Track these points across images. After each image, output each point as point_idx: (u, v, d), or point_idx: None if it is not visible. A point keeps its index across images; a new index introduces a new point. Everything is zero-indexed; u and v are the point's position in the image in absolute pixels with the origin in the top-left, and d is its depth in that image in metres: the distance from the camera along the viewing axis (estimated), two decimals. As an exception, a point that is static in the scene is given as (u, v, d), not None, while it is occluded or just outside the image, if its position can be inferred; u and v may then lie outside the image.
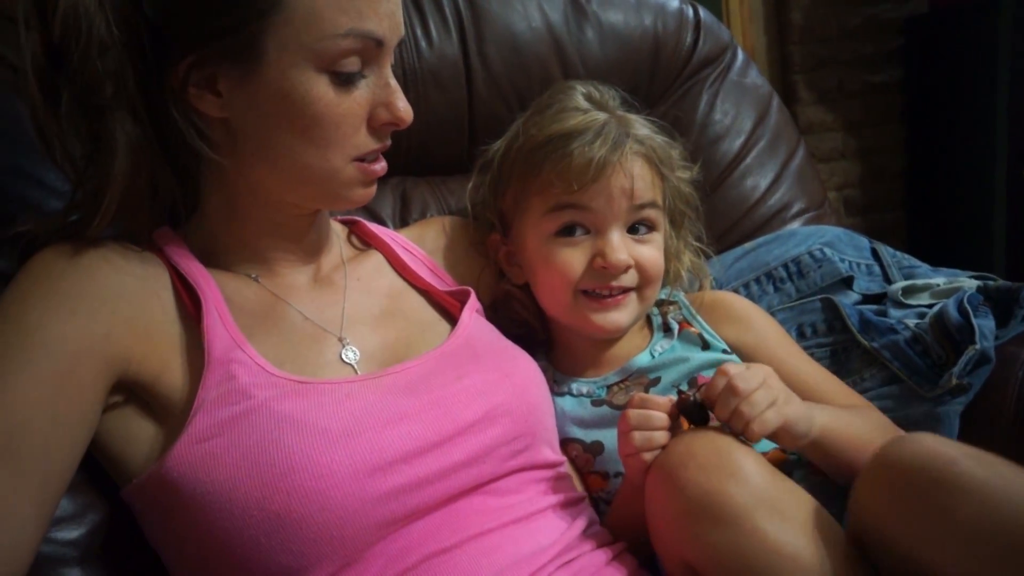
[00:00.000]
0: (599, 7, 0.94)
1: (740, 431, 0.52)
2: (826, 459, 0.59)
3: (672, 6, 0.99)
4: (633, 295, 0.67)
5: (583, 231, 0.65)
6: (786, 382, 0.63)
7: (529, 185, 0.67)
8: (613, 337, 0.69)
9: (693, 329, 0.70)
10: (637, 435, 0.53)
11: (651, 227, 0.67)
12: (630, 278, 0.66)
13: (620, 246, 0.64)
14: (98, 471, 0.54)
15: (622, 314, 0.66)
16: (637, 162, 0.65)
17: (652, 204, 0.66)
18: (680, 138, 0.73)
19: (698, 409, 0.54)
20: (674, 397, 0.55)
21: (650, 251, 0.66)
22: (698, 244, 0.75)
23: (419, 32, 0.86)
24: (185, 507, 0.49)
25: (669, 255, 0.71)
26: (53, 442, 0.47)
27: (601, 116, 0.66)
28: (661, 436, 0.53)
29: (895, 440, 0.48)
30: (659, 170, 0.67)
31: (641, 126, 0.68)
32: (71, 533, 0.54)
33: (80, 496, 0.55)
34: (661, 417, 0.54)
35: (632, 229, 0.66)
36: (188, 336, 0.54)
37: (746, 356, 0.68)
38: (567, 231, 0.65)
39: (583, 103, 0.68)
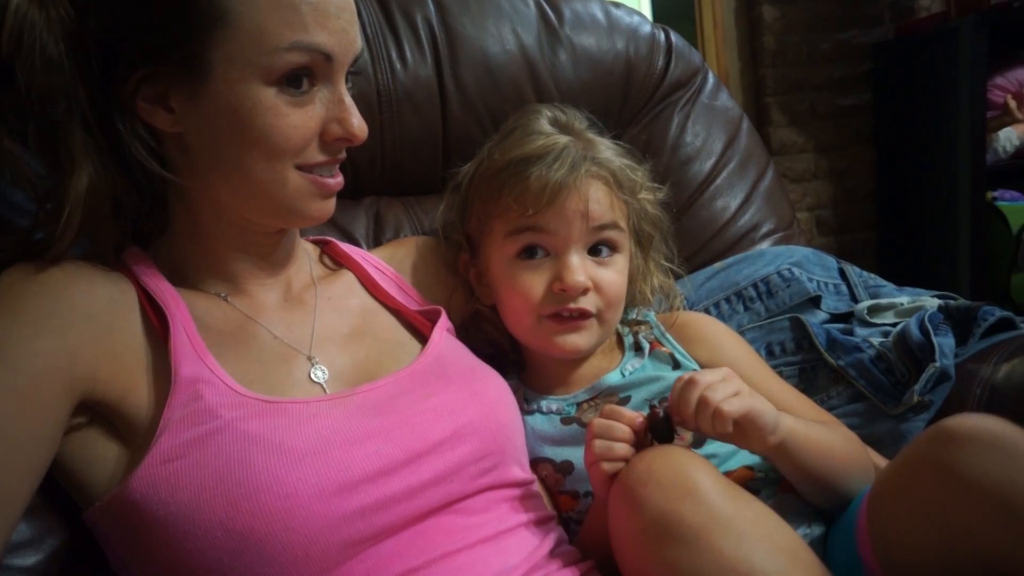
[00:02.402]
0: (572, 31, 0.95)
1: (708, 425, 0.53)
2: (793, 465, 0.59)
3: (644, 30, 1.01)
4: (593, 320, 0.67)
5: (544, 253, 0.66)
6: None
7: (491, 208, 0.68)
8: (576, 358, 0.70)
9: (664, 349, 0.71)
10: (598, 443, 0.54)
11: (613, 248, 0.68)
12: (590, 301, 0.66)
13: (578, 268, 0.65)
14: (58, 494, 0.53)
15: (582, 337, 0.67)
16: (594, 184, 0.66)
17: (612, 226, 0.67)
18: (648, 160, 0.74)
19: (665, 425, 0.55)
20: (645, 412, 0.56)
21: (611, 274, 0.67)
22: (668, 264, 0.76)
23: (394, 54, 0.87)
24: (149, 529, 0.49)
25: (635, 276, 0.72)
26: (12, 464, 0.46)
27: (562, 140, 0.67)
28: (622, 448, 0.53)
29: (955, 418, 0.49)
30: (619, 192, 0.68)
31: (604, 149, 0.69)
32: (29, 559, 0.53)
33: (39, 520, 0.54)
34: (623, 429, 0.54)
35: (594, 251, 0.67)
36: (155, 356, 0.53)
37: None
38: (528, 253, 0.66)
39: (547, 127, 0.69)
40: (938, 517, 0.48)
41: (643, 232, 0.72)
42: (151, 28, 0.50)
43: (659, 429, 0.54)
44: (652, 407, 0.56)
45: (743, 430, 0.54)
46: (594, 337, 0.68)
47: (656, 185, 0.74)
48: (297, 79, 0.52)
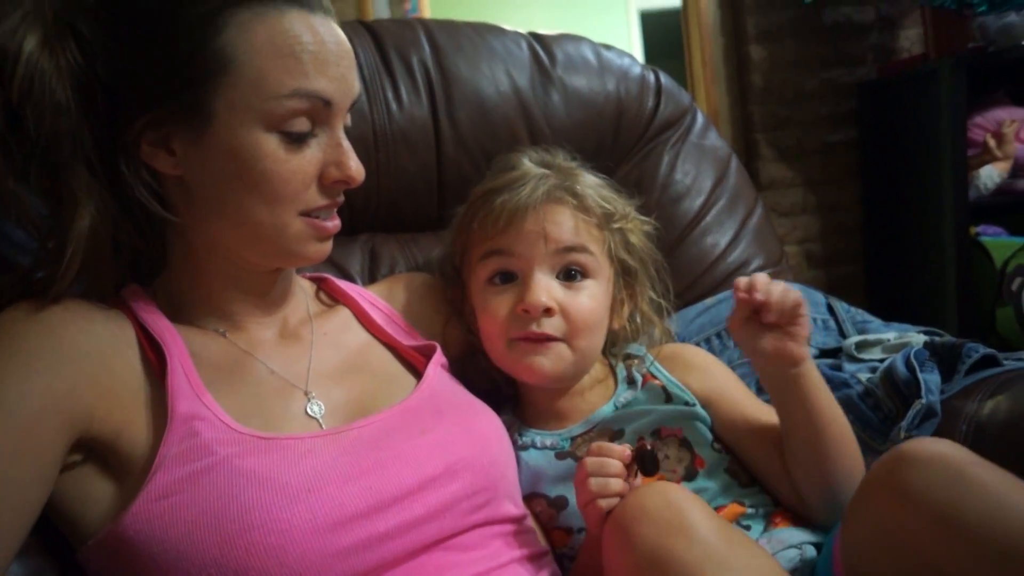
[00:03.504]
0: (564, 72, 0.98)
1: (780, 301, 0.59)
2: (803, 405, 0.61)
3: (634, 72, 1.03)
4: (562, 345, 0.67)
5: (515, 278, 0.68)
6: (748, 426, 0.66)
7: (466, 239, 0.71)
8: (555, 386, 0.70)
9: (657, 381, 0.71)
10: (593, 481, 0.54)
11: (584, 274, 0.68)
12: (554, 325, 0.66)
13: (540, 288, 0.66)
14: (51, 532, 0.53)
15: (548, 360, 0.66)
16: (557, 208, 0.67)
17: (579, 249, 0.68)
18: (638, 197, 0.76)
19: (651, 460, 0.56)
20: (632, 445, 0.57)
21: (581, 298, 0.67)
22: (658, 300, 0.76)
23: (390, 94, 0.89)
24: (142, 566, 0.49)
25: (616, 306, 0.72)
26: (7, 505, 0.46)
27: (535, 171, 0.70)
28: (616, 483, 0.54)
29: (910, 441, 0.52)
30: (586, 217, 0.68)
31: (579, 179, 0.70)
32: (21, 598, 0.52)
33: (31, 559, 0.53)
34: (616, 464, 0.55)
35: (568, 276, 0.68)
36: (152, 393, 0.54)
37: (709, 403, 0.70)
38: (501, 279, 0.68)
39: (526, 163, 0.72)
40: (893, 537, 0.49)
41: (626, 264, 0.73)
42: (157, 75, 0.52)
43: (646, 462, 0.55)
44: (640, 439, 0.56)
45: (783, 339, 0.59)
46: (563, 363, 0.67)
47: (644, 218, 0.75)
48: (297, 124, 0.54)
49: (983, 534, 0.45)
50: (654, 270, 0.75)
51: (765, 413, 0.67)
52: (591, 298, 0.68)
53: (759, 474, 0.67)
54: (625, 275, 0.73)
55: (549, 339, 0.66)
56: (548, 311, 0.66)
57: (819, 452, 0.61)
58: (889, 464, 0.51)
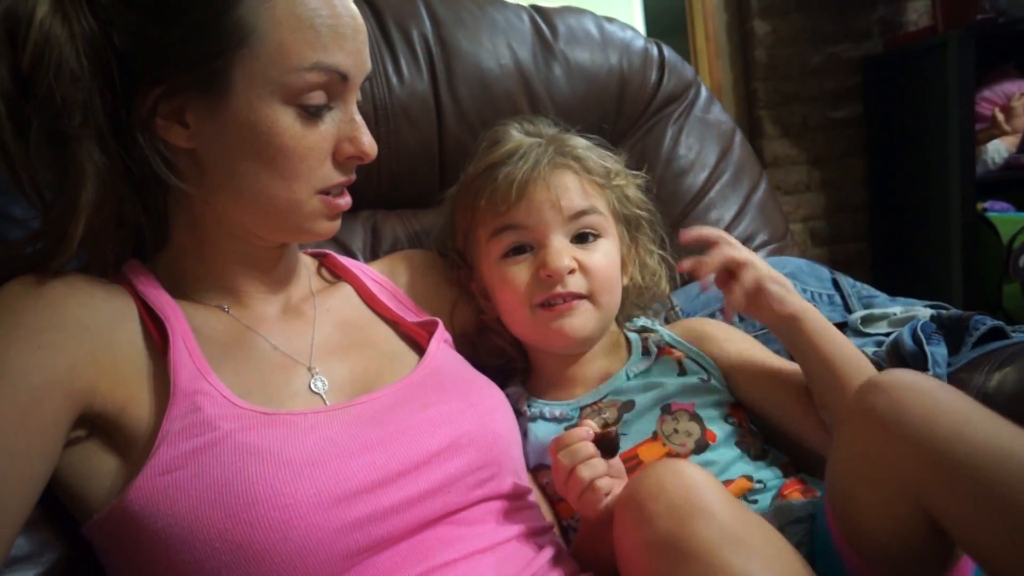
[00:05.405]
0: (566, 45, 0.97)
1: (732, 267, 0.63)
2: (808, 343, 0.63)
3: (637, 45, 1.02)
4: (587, 303, 0.68)
5: (529, 249, 0.68)
6: (776, 378, 0.68)
7: (470, 218, 0.70)
8: (580, 350, 0.70)
9: (673, 354, 0.71)
10: (583, 468, 0.55)
11: (597, 234, 0.69)
12: (578, 283, 0.67)
13: (560, 252, 0.66)
14: (57, 508, 0.53)
15: (577, 319, 0.67)
16: (561, 173, 0.68)
17: (591, 211, 0.68)
18: (623, 153, 0.76)
19: (610, 444, 0.57)
20: (592, 425, 0.57)
21: (597, 256, 0.68)
22: (660, 252, 0.77)
23: (390, 68, 0.88)
24: (147, 541, 0.49)
25: (626, 262, 0.73)
26: (11, 479, 0.46)
27: (528, 141, 0.70)
28: (599, 463, 0.55)
29: (881, 372, 0.53)
30: (589, 177, 0.69)
31: (571, 141, 0.71)
32: (28, 573, 0.53)
33: (38, 534, 0.54)
34: (586, 446, 0.56)
35: (581, 239, 0.68)
36: (154, 368, 0.54)
37: (732, 367, 0.71)
38: (515, 252, 0.68)
39: (515, 134, 0.72)
40: (869, 462, 0.50)
41: (631, 216, 0.74)
42: (175, 45, 0.51)
43: (610, 445, 0.57)
44: (606, 424, 0.57)
45: (759, 294, 0.63)
46: (592, 320, 0.68)
47: (634, 172, 0.76)
48: (313, 98, 0.53)
49: (951, 450, 0.45)
50: (650, 222, 0.76)
51: (789, 364, 0.69)
52: (606, 255, 0.69)
53: (790, 426, 0.68)
54: (628, 230, 0.74)
55: (575, 297, 0.67)
56: (571, 272, 0.66)
57: (841, 393, 0.62)
58: (860, 392, 0.51)
